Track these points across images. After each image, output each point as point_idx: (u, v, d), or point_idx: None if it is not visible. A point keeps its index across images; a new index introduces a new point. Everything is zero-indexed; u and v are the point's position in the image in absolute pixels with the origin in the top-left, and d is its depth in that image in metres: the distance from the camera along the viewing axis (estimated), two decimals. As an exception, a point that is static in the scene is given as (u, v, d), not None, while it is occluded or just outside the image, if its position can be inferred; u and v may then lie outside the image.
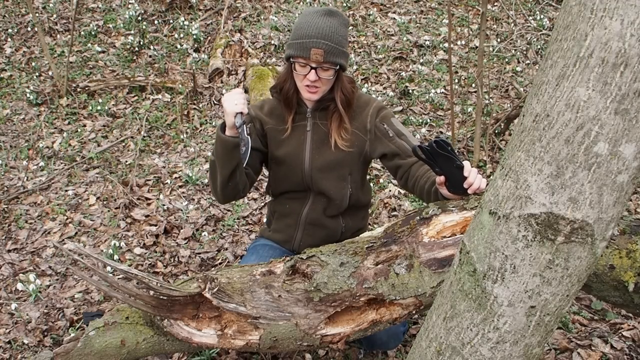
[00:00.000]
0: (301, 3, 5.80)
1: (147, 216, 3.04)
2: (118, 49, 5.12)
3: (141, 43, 5.08)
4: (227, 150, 1.66)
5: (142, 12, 5.57)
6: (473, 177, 1.43)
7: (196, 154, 3.70)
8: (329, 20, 1.68)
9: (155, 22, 5.48)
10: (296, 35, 1.70)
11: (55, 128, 4.06)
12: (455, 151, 1.46)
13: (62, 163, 3.61)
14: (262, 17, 5.56)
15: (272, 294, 1.43)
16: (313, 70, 1.68)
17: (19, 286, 2.48)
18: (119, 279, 1.53)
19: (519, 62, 4.77)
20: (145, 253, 2.75)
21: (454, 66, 4.62)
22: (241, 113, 1.60)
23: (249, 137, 1.68)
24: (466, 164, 1.43)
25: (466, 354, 1.14)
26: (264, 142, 1.87)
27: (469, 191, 1.44)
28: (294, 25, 1.74)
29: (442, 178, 1.47)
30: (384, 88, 4.48)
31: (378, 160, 1.91)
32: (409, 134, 1.82)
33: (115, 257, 2.66)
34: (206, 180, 3.38)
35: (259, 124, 1.85)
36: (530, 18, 5.15)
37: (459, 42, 5.08)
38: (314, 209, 1.91)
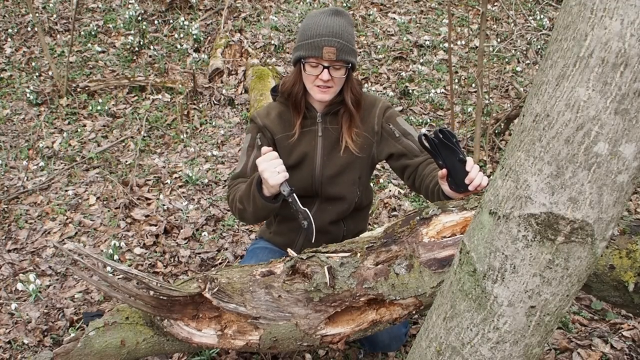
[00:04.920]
0: (301, 3, 5.80)
1: (147, 216, 3.04)
2: (118, 49, 5.12)
3: (141, 43, 5.08)
4: (268, 212, 1.65)
5: (142, 12, 5.57)
6: (475, 173, 1.44)
7: (196, 154, 3.70)
8: (338, 19, 1.67)
9: (155, 22, 5.48)
10: (305, 35, 1.67)
11: (55, 128, 4.06)
12: (460, 144, 1.48)
13: (62, 163, 3.61)
14: (262, 17, 5.57)
15: (272, 294, 1.43)
16: (326, 70, 1.66)
17: (19, 286, 2.48)
18: (119, 279, 1.53)
19: (519, 62, 4.77)
20: (145, 253, 2.75)
21: (454, 66, 4.62)
22: (286, 181, 1.53)
23: (305, 209, 1.53)
24: (469, 159, 1.44)
25: (466, 354, 1.14)
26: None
27: (470, 187, 1.45)
28: (301, 27, 1.71)
29: (444, 171, 1.48)
30: (384, 88, 4.48)
31: (383, 160, 1.90)
32: (415, 134, 1.81)
33: (115, 257, 2.66)
34: (206, 181, 3.38)
35: (268, 134, 1.81)
36: (530, 18, 5.15)
37: (459, 42, 5.08)
38: (319, 216, 1.87)
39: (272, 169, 1.55)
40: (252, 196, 1.64)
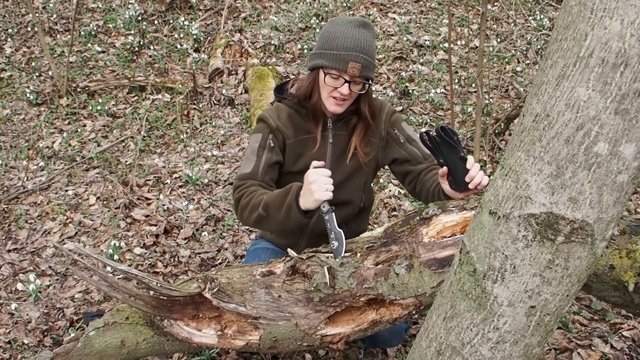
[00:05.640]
0: (301, 3, 5.80)
1: (147, 216, 3.04)
2: (118, 49, 5.12)
3: (141, 43, 5.08)
4: (296, 225, 1.59)
5: (142, 12, 5.57)
6: (475, 171, 1.44)
7: (196, 154, 3.70)
8: (365, 33, 1.64)
9: (155, 22, 5.48)
10: (330, 45, 1.63)
11: (55, 128, 4.07)
12: (461, 143, 1.49)
13: (62, 163, 3.61)
14: (262, 17, 5.57)
15: (272, 294, 1.43)
16: (347, 84, 1.63)
17: (19, 286, 2.48)
18: (119, 279, 1.53)
19: (519, 62, 4.77)
20: (145, 253, 2.75)
21: (454, 66, 4.62)
22: (328, 200, 1.48)
23: (341, 230, 1.47)
24: (470, 157, 1.45)
25: (466, 354, 1.14)
26: (284, 155, 1.79)
27: (470, 185, 1.45)
28: (325, 34, 1.67)
29: (444, 169, 1.49)
30: (384, 88, 4.48)
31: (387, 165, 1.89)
32: (419, 139, 1.81)
33: (115, 257, 2.66)
34: (206, 181, 3.38)
35: (281, 137, 1.76)
36: (530, 18, 5.15)
37: (459, 42, 5.08)
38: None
39: (323, 184, 1.49)
40: (286, 207, 1.55)
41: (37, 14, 5.24)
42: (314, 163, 1.57)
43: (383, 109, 1.84)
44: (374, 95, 1.85)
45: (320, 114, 1.76)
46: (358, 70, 1.61)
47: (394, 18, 5.49)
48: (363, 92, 1.69)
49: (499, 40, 5.08)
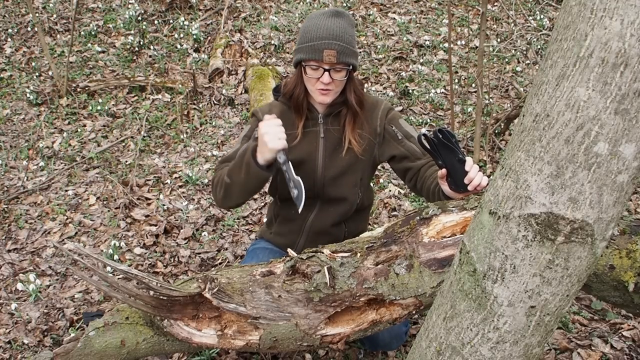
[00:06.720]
0: (301, 3, 5.80)
1: (147, 216, 3.04)
2: (118, 49, 5.12)
3: (141, 43, 5.08)
4: (259, 183, 1.63)
5: (142, 12, 5.57)
6: (474, 173, 1.44)
7: (196, 154, 3.70)
8: (338, 21, 1.66)
9: (155, 22, 5.48)
10: (306, 38, 1.66)
11: (55, 128, 4.06)
12: (460, 144, 1.49)
13: (62, 163, 3.61)
14: (262, 17, 5.57)
15: (272, 294, 1.43)
16: (326, 73, 1.65)
17: (19, 286, 2.48)
18: (119, 279, 1.53)
19: (519, 62, 4.77)
20: (145, 253, 2.75)
21: (454, 66, 4.62)
22: (284, 149, 1.53)
23: (299, 178, 1.52)
24: (468, 159, 1.45)
25: (466, 354, 1.14)
26: None
27: (469, 187, 1.45)
28: (302, 29, 1.71)
29: (443, 171, 1.49)
30: (384, 88, 4.48)
31: (385, 162, 1.90)
32: (417, 135, 1.81)
33: (115, 257, 2.66)
34: (206, 181, 3.38)
35: None
36: (530, 18, 5.15)
37: (459, 42, 5.08)
38: (320, 217, 1.87)
39: (275, 133, 1.54)
40: (245, 164, 1.60)
41: (37, 14, 5.24)
42: (265, 116, 1.61)
43: (379, 105, 1.84)
44: (371, 94, 1.86)
45: (303, 108, 1.78)
46: (334, 57, 1.63)
47: (394, 18, 5.49)
48: (344, 79, 1.71)
49: (499, 40, 5.08)
